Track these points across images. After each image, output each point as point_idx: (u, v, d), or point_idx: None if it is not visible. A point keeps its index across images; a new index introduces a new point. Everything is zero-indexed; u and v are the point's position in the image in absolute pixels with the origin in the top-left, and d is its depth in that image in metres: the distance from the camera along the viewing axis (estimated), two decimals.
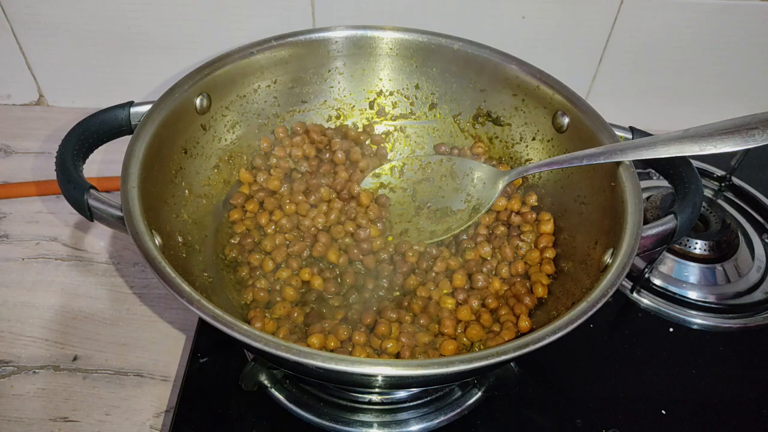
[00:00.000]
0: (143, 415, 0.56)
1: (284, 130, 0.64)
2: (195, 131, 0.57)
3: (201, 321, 0.57)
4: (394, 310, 0.52)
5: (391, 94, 0.67)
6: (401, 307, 0.54)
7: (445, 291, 0.55)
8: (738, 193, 0.77)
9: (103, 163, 0.76)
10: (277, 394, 0.54)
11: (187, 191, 0.55)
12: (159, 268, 0.41)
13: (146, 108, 0.52)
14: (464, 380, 0.53)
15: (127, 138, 0.50)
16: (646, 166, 0.75)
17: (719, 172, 0.78)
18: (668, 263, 0.66)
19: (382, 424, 0.52)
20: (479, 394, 0.54)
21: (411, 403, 0.54)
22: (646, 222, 0.47)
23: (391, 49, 0.64)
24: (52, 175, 0.47)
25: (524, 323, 0.51)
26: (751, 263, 0.68)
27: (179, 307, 0.64)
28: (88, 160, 0.50)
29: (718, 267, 0.66)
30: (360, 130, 0.67)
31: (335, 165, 0.64)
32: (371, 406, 0.53)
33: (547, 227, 0.58)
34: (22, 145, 0.82)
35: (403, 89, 0.66)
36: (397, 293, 0.56)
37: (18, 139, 0.83)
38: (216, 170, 0.60)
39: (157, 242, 0.44)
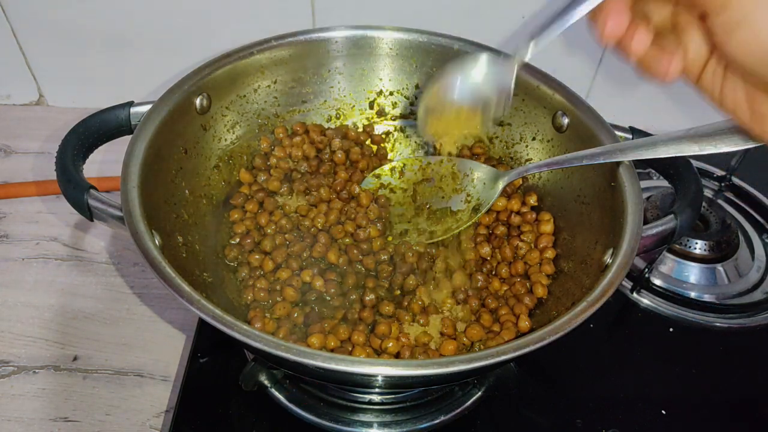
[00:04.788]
0: (143, 415, 0.56)
1: (284, 130, 0.64)
2: (195, 131, 0.57)
3: (201, 321, 0.57)
4: (394, 310, 0.52)
5: (391, 94, 0.67)
6: (401, 307, 0.54)
7: (445, 291, 0.55)
8: (738, 193, 0.77)
9: (103, 163, 0.76)
10: (277, 394, 0.54)
11: (187, 191, 0.55)
12: (159, 268, 0.41)
13: (146, 108, 0.52)
14: (464, 380, 0.53)
15: (127, 138, 0.50)
16: (646, 166, 0.75)
17: (719, 172, 0.78)
18: (668, 263, 0.66)
19: (382, 424, 0.52)
20: (479, 394, 0.54)
21: (411, 403, 0.54)
22: (646, 222, 0.47)
23: (391, 49, 0.64)
24: (52, 175, 0.47)
25: (524, 323, 0.51)
26: (751, 263, 0.68)
27: (179, 307, 0.64)
28: (88, 160, 0.50)
29: (718, 267, 0.66)
30: (360, 130, 0.67)
31: (335, 165, 0.64)
32: (371, 406, 0.53)
33: (547, 227, 0.58)
34: (22, 145, 0.82)
35: (403, 89, 0.66)
36: (398, 293, 0.56)
37: (18, 139, 0.83)
38: (216, 170, 0.60)
39: (157, 242, 0.44)
